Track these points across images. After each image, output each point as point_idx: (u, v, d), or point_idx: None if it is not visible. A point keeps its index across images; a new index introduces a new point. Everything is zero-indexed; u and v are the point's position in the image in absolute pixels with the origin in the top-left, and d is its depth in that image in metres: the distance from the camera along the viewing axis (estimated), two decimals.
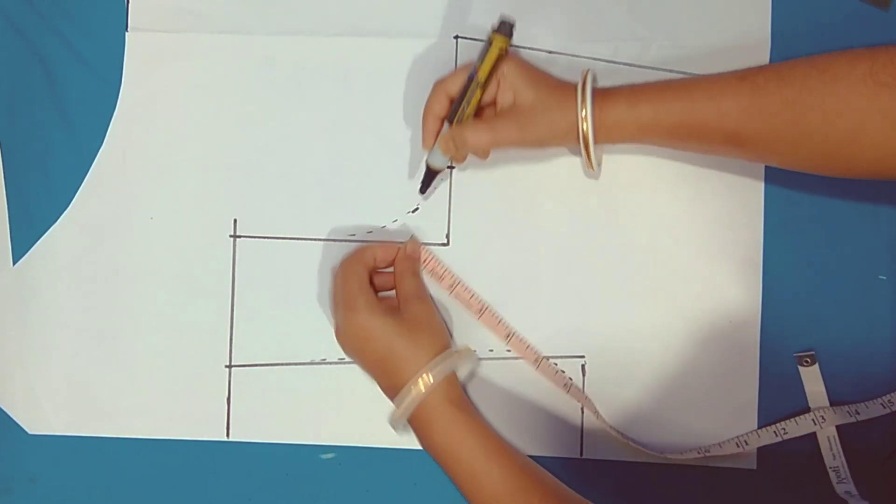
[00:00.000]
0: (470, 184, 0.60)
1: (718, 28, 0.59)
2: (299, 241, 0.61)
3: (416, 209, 0.60)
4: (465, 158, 0.57)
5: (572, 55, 0.60)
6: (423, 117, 0.56)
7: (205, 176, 0.61)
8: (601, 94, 0.52)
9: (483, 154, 0.55)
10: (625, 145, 0.55)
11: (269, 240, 0.61)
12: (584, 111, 0.52)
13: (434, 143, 0.56)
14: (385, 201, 0.60)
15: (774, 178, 0.59)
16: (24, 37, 0.62)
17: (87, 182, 0.61)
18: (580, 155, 0.54)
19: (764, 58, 0.59)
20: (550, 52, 0.60)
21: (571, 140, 0.53)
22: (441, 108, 0.56)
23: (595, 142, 0.53)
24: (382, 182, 0.60)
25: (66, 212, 0.61)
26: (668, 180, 0.59)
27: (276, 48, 0.61)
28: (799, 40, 0.58)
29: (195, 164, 0.61)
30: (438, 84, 0.56)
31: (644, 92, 0.52)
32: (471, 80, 0.54)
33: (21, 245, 0.61)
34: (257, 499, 0.60)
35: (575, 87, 0.53)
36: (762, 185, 0.59)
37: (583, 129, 0.52)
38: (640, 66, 0.59)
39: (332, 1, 0.61)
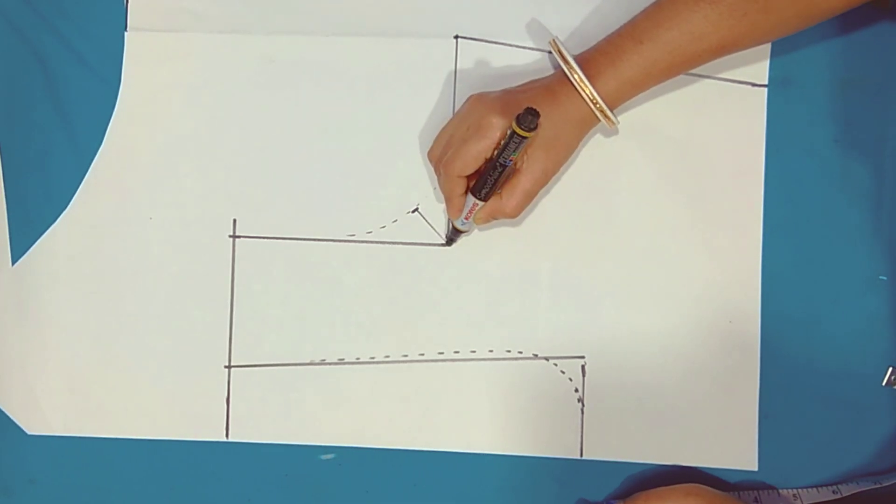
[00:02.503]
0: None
1: None
2: (299, 241, 0.61)
3: (416, 209, 0.60)
4: None
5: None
6: (447, 200, 0.56)
7: (204, 176, 0.61)
8: (586, 75, 0.53)
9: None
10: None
11: (269, 240, 0.61)
12: (587, 91, 0.52)
13: (461, 214, 0.56)
14: (385, 201, 0.60)
15: (774, 177, 0.59)
16: (22, 36, 0.62)
17: (87, 182, 0.61)
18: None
19: (765, 54, 0.59)
20: (550, 52, 0.60)
21: (586, 130, 0.55)
22: (461, 187, 0.55)
23: (612, 108, 0.54)
24: (382, 182, 0.60)
25: (65, 212, 0.61)
26: (668, 180, 0.59)
27: (276, 48, 0.61)
28: (799, 38, 0.58)
29: (194, 164, 0.61)
30: (449, 167, 0.54)
31: (621, 56, 0.52)
32: (502, 165, 0.52)
33: (20, 245, 0.61)
34: (257, 500, 0.60)
35: (560, 77, 0.53)
36: (762, 184, 0.59)
37: (596, 110, 0.53)
38: None
39: (332, 1, 0.61)
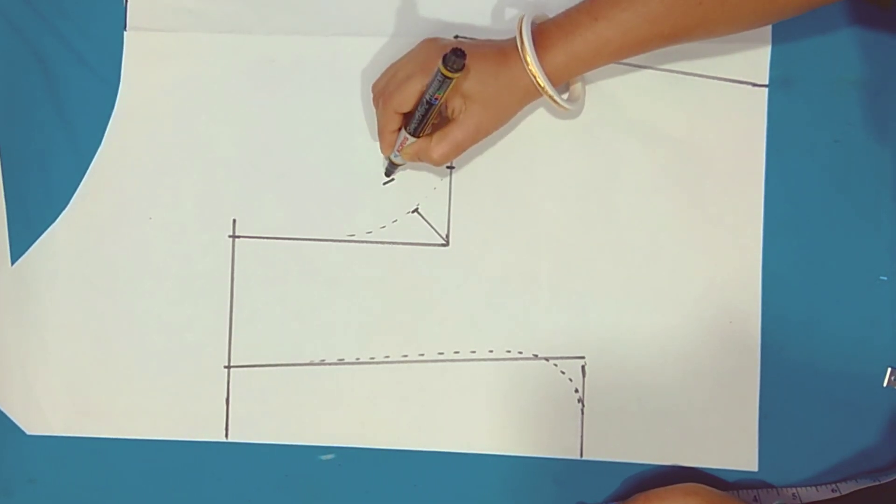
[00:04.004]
0: (470, 184, 0.60)
1: None
2: (298, 242, 0.61)
3: (416, 209, 0.60)
4: None
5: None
6: (380, 133, 0.57)
7: (204, 176, 0.61)
8: (539, 46, 0.53)
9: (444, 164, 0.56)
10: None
11: (269, 240, 0.61)
12: (531, 68, 0.52)
13: (392, 150, 0.57)
14: (384, 201, 0.60)
15: (774, 177, 0.59)
16: (22, 36, 0.62)
17: (86, 182, 0.61)
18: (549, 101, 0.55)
19: (765, 54, 0.59)
20: None
21: (529, 99, 0.54)
22: (395, 123, 0.55)
23: (555, 85, 0.53)
24: (381, 182, 0.60)
25: (64, 211, 0.61)
26: (668, 180, 0.59)
27: (276, 48, 0.61)
28: (800, 38, 0.59)
29: (194, 164, 0.61)
30: (388, 102, 0.54)
31: (575, 31, 0.52)
32: (428, 103, 0.52)
33: (19, 245, 0.61)
34: (257, 500, 0.60)
35: (514, 43, 0.53)
36: (762, 184, 0.59)
37: (538, 83, 0.53)
38: (640, 66, 0.59)
39: (332, 1, 0.61)
